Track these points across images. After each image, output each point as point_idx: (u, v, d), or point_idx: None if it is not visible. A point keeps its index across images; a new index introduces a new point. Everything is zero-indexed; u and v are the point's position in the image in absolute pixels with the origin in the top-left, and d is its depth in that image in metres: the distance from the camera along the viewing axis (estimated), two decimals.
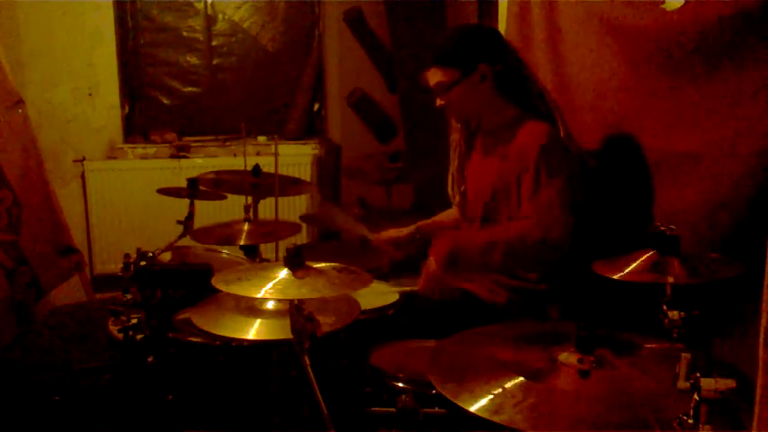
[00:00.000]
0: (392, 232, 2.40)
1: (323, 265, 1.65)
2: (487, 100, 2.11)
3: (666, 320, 1.34)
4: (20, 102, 3.25)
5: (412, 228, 2.41)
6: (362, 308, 1.82)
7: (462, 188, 2.32)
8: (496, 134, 2.15)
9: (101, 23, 4.20)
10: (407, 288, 2.21)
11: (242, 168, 2.85)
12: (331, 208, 2.70)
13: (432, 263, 2.06)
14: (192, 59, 4.50)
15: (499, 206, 2.10)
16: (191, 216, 2.46)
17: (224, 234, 2.56)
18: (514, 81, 2.10)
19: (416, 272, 2.16)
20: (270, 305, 1.78)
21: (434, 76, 2.09)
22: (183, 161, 4.28)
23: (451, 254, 2.03)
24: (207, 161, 4.25)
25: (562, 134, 2.02)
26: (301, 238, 3.03)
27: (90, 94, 4.24)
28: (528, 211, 1.97)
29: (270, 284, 1.53)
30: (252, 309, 1.78)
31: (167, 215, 2.59)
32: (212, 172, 2.94)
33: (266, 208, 2.83)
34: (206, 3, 4.45)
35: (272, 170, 2.73)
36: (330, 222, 2.56)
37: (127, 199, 4.19)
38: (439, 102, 2.13)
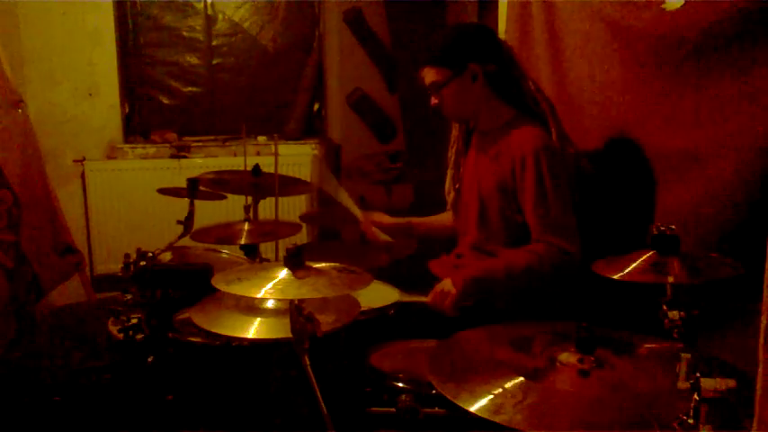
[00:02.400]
0: (382, 217, 2.42)
1: (323, 265, 1.64)
2: (481, 100, 2.12)
3: (666, 320, 1.34)
4: (20, 102, 3.24)
5: (402, 220, 2.43)
6: (362, 307, 1.82)
7: (457, 185, 2.33)
8: (492, 134, 2.15)
9: (101, 23, 4.21)
10: (417, 299, 2.18)
11: (242, 168, 2.84)
12: (333, 181, 2.69)
13: (447, 284, 2.06)
14: (192, 59, 4.50)
15: (494, 206, 2.10)
16: (191, 216, 2.45)
17: (224, 234, 2.57)
18: (508, 81, 2.10)
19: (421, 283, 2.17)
20: (270, 303, 1.78)
21: (427, 76, 2.12)
22: (183, 161, 4.28)
23: (476, 281, 2.02)
24: (207, 161, 4.25)
25: (554, 137, 2.03)
26: (301, 237, 3.03)
27: (90, 94, 4.24)
28: (536, 227, 1.98)
29: (270, 284, 1.53)
30: (251, 307, 1.78)
31: (167, 215, 2.58)
32: (212, 172, 2.93)
33: (266, 208, 2.82)
34: (206, 3, 4.45)
35: (272, 170, 2.73)
36: (329, 192, 2.56)
37: (127, 199, 4.19)
38: (433, 101, 2.15)
